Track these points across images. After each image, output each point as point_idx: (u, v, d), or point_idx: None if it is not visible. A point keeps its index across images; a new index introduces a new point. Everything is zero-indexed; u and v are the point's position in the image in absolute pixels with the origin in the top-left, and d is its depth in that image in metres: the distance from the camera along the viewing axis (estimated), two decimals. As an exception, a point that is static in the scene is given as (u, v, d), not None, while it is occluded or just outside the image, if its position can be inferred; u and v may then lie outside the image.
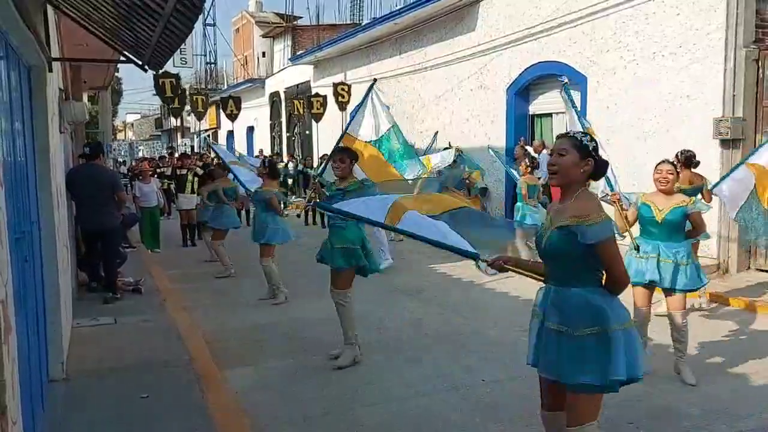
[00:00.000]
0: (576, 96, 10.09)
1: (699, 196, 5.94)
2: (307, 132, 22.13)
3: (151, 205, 11.07)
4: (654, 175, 4.68)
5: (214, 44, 68.90)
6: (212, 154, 26.92)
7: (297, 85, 22.78)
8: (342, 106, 16.44)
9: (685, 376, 4.58)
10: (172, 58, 6.05)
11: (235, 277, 8.82)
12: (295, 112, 19.95)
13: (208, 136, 33.86)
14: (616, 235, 2.92)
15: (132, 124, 60.90)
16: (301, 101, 19.05)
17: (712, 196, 6.08)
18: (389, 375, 4.91)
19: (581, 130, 5.21)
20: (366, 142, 6.17)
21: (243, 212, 13.50)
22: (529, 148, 11.58)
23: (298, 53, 22.74)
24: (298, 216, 9.98)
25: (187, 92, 17.72)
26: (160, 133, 51.00)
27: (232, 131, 30.81)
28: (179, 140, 41.34)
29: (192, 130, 36.19)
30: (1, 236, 2.58)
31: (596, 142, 2.72)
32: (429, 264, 9.16)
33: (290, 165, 18.65)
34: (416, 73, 15.02)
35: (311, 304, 6.85)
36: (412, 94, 15.39)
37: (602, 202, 3.89)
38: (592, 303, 2.59)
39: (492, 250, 3.40)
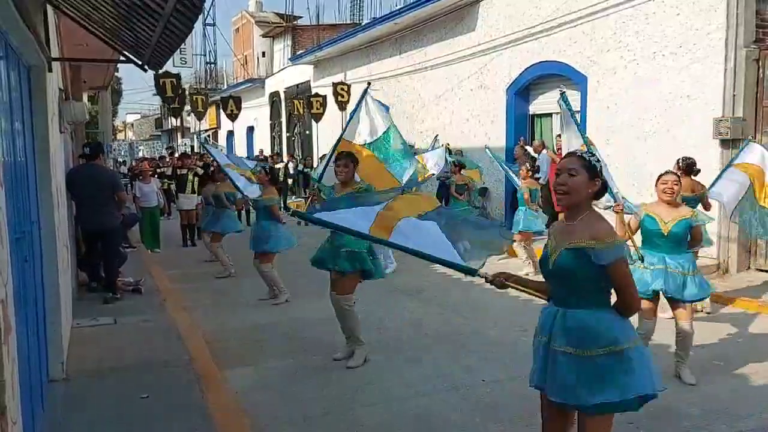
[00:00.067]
0: (576, 96, 10.11)
1: (699, 206, 5.95)
2: (307, 132, 22.13)
3: (151, 205, 11.07)
4: (659, 186, 4.65)
5: (214, 44, 68.90)
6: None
7: (297, 85, 22.78)
8: (342, 106, 16.45)
9: (684, 377, 4.58)
10: (171, 58, 6.05)
11: (235, 277, 8.82)
12: (295, 112, 19.95)
13: (208, 136, 33.83)
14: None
15: (132, 124, 60.89)
16: (301, 101, 19.05)
17: (710, 201, 6.14)
18: (389, 375, 4.91)
19: (582, 142, 5.23)
20: (361, 145, 6.17)
21: (243, 213, 13.50)
22: (529, 148, 11.59)
23: (298, 53, 22.73)
24: (299, 224, 9.96)
25: (187, 92, 17.71)
26: (160, 133, 51.00)
27: (232, 131, 30.81)
28: (179, 140, 41.34)
29: (192, 130, 36.17)
30: (1, 236, 2.58)
31: (601, 162, 2.71)
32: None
33: (290, 165, 18.65)
34: (416, 73, 15.02)
35: (311, 304, 6.85)
36: (412, 94, 15.39)
37: (604, 212, 3.88)
38: (602, 323, 2.56)
39: (492, 252, 3.39)
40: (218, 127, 34.18)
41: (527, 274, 8.46)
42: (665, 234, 4.59)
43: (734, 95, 7.82)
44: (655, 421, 3.95)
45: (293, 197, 17.86)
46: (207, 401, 4.23)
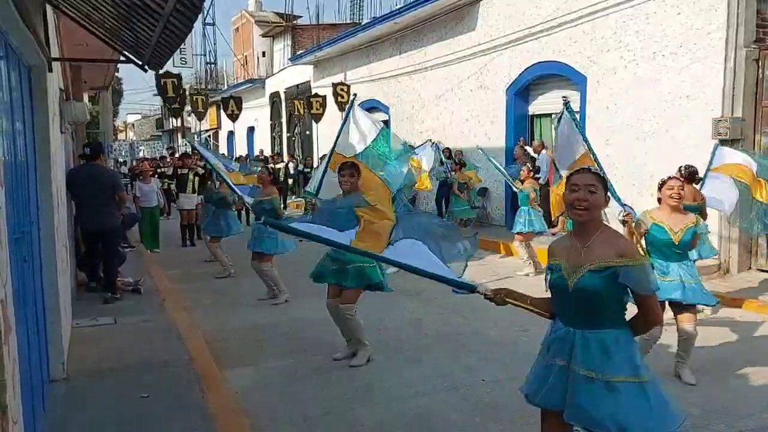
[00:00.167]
0: (576, 96, 10.11)
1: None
2: (308, 132, 22.13)
3: (151, 205, 11.08)
4: (665, 192, 4.61)
5: (214, 44, 68.90)
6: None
7: (297, 85, 22.79)
8: (341, 107, 16.43)
9: (684, 377, 4.58)
10: (172, 58, 6.05)
11: (235, 277, 8.82)
12: (296, 113, 19.95)
13: (208, 137, 33.82)
14: None
15: (133, 125, 60.90)
16: (301, 101, 19.05)
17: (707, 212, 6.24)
18: (389, 375, 4.91)
19: (584, 150, 5.22)
20: (351, 156, 6.23)
21: (242, 213, 13.49)
22: (529, 149, 11.60)
23: (298, 53, 22.73)
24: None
25: (187, 92, 17.72)
26: (160, 134, 51.01)
27: (233, 131, 30.81)
28: (180, 140, 41.33)
29: (192, 131, 36.19)
30: (0, 236, 2.58)
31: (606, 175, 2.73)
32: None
33: (290, 165, 18.66)
34: (416, 73, 15.02)
35: (311, 304, 6.85)
36: (412, 94, 15.39)
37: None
38: (622, 348, 2.54)
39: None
40: (219, 127, 34.18)
41: (527, 275, 8.48)
42: (676, 243, 4.58)
43: (734, 95, 7.82)
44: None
45: (293, 197, 17.88)
46: (207, 401, 4.23)
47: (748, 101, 7.79)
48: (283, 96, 24.74)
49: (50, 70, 4.89)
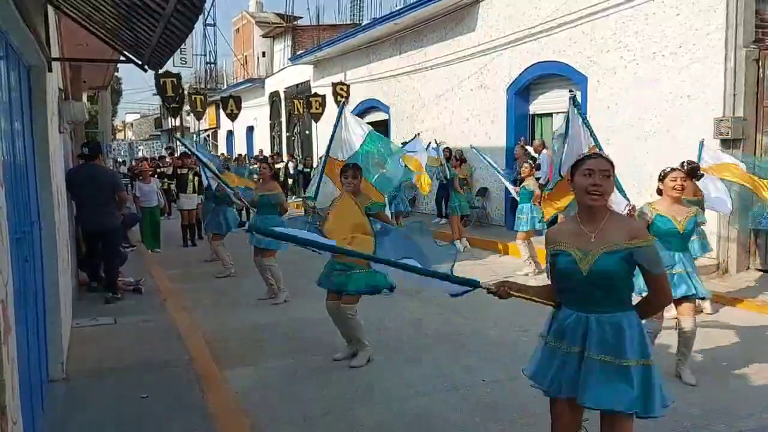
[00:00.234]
0: (576, 96, 10.09)
1: None
2: (307, 132, 22.13)
3: (151, 205, 11.07)
4: (668, 183, 4.60)
5: (214, 44, 68.83)
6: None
7: (297, 85, 22.79)
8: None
9: (685, 378, 4.58)
10: (172, 58, 6.05)
11: (235, 276, 8.82)
12: (295, 112, 19.96)
13: (208, 136, 33.78)
14: None
15: (131, 124, 60.87)
16: (301, 101, 19.06)
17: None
18: (389, 375, 4.91)
19: (592, 143, 5.20)
20: (342, 160, 6.29)
21: (243, 211, 13.49)
22: (529, 148, 11.60)
23: (298, 53, 22.73)
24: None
25: (186, 92, 17.71)
26: (159, 133, 50.95)
27: (232, 131, 30.81)
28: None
29: (192, 130, 36.17)
30: (1, 236, 2.58)
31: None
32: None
33: (290, 165, 18.66)
34: (416, 73, 15.02)
35: (311, 304, 6.84)
36: (412, 94, 15.39)
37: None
38: (634, 330, 2.59)
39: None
40: (218, 126, 34.17)
41: (527, 274, 8.47)
42: (681, 232, 4.58)
43: (734, 95, 7.82)
44: (655, 420, 3.95)
45: (293, 197, 17.87)
46: (207, 401, 4.23)
47: (749, 101, 7.79)
48: (282, 95, 24.75)
49: (50, 70, 4.89)
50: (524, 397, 4.32)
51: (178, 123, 39.17)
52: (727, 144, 7.84)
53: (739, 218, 6.95)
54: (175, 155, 17.97)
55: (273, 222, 7.12)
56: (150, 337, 5.77)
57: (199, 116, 18.58)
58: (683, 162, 6.25)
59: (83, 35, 6.41)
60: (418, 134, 11.47)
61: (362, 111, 18.18)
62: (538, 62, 11.16)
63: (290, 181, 18.22)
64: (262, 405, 4.36)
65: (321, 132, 18.45)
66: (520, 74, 11.62)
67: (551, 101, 11.53)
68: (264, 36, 30.18)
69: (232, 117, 18.64)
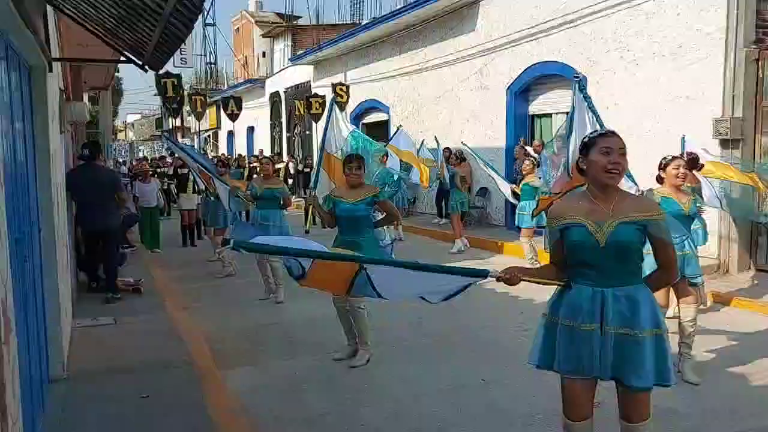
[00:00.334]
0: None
1: None
2: (307, 132, 22.13)
3: (151, 205, 11.09)
4: (670, 171, 4.63)
5: (214, 44, 68.82)
6: (210, 154, 26.82)
7: (297, 85, 22.79)
8: (341, 107, 16.43)
9: (687, 376, 4.57)
10: (172, 59, 6.05)
11: (235, 276, 8.82)
12: (296, 112, 19.96)
13: (208, 136, 33.73)
14: None
15: (132, 125, 60.89)
16: (301, 101, 19.06)
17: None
18: (389, 375, 4.91)
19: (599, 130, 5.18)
20: (333, 153, 6.53)
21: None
22: (529, 149, 11.59)
23: (298, 53, 22.73)
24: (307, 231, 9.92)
25: (187, 93, 17.72)
26: (159, 133, 50.95)
27: (233, 131, 30.81)
28: (179, 140, 41.33)
29: (192, 131, 36.20)
30: (1, 236, 2.58)
31: None
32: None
33: (290, 165, 18.66)
34: (416, 73, 15.02)
35: (311, 304, 6.84)
36: (412, 94, 15.39)
37: None
38: (648, 301, 2.64)
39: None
40: (218, 127, 34.19)
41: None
42: (687, 214, 4.62)
43: (734, 95, 7.81)
44: (654, 420, 3.95)
45: (293, 197, 17.87)
46: (207, 401, 4.23)
47: (749, 101, 7.79)
48: (283, 96, 24.75)
49: (50, 71, 4.89)
50: (524, 397, 4.33)
51: (178, 123, 39.24)
52: (726, 144, 7.84)
53: (738, 208, 7.10)
54: (176, 155, 17.97)
55: (273, 216, 7.21)
56: (150, 337, 5.77)
57: (199, 117, 18.59)
58: (682, 153, 6.29)
59: (83, 35, 6.41)
60: (400, 126, 11.46)
61: (362, 111, 18.20)
62: (538, 62, 11.16)
63: (290, 181, 18.20)
64: (262, 405, 4.36)
65: (321, 132, 18.47)
66: (520, 74, 11.62)
67: (551, 101, 11.53)
68: (264, 36, 30.19)
69: (233, 117, 18.63)
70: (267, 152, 23.33)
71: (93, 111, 18.58)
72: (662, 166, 4.73)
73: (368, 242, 5.02)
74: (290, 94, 23.39)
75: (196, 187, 11.88)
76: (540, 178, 9.45)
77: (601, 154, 2.61)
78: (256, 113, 27.60)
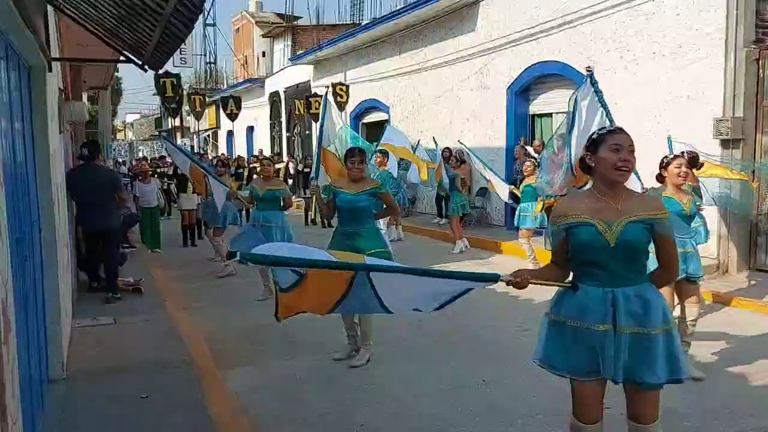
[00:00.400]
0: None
1: None
2: (307, 132, 22.12)
3: (151, 205, 11.08)
4: (673, 170, 4.61)
5: (214, 44, 68.81)
6: (210, 155, 26.81)
7: (297, 85, 22.79)
8: (341, 107, 16.45)
9: (692, 372, 4.56)
10: (171, 58, 6.05)
11: (235, 276, 8.82)
12: (296, 112, 19.96)
13: (208, 136, 33.74)
14: None
15: (132, 124, 60.88)
16: (301, 101, 19.06)
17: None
18: (389, 375, 4.91)
19: (606, 124, 5.16)
20: (327, 147, 6.63)
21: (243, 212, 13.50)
22: (530, 148, 11.60)
23: (298, 53, 22.73)
24: (306, 224, 9.95)
25: (185, 92, 17.72)
26: (159, 133, 50.96)
27: (232, 131, 30.80)
28: (179, 140, 41.32)
29: (192, 130, 36.19)
30: (1, 236, 2.58)
31: None
32: (429, 264, 9.15)
33: (290, 165, 18.65)
34: (416, 73, 15.02)
35: (311, 304, 6.85)
36: (412, 94, 15.39)
37: None
38: (657, 299, 2.64)
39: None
40: (218, 127, 34.17)
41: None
42: (688, 214, 4.62)
43: (734, 95, 7.82)
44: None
45: (293, 197, 17.87)
46: (207, 401, 4.23)
47: (749, 101, 7.79)
48: (282, 96, 24.75)
49: (50, 70, 4.89)
50: (524, 397, 4.33)
51: (178, 123, 39.25)
52: (727, 144, 7.85)
53: (737, 208, 7.15)
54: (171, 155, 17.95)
55: (274, 217, 7.20)
56: (150, 337, 5.77)
57: (198, 116, 18.60)
58: (682, 152, 6.28)
59: (83, 35, 6.41)
60: (387, 122, 11.40)
61: (362, 111, 18.20)
62: (538, 62, 11.16)
63: (290, 181, 18.20)
64: (262, 405, 4.36)
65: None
66: (520, 74, 11.62)
67: (551, 101, 11.52)
68: (264, 36, 30.18)
69: (232, 117, 18.64)
70: (267, 152, 23.33)
71: (92, 111, 18.58)
72: (664, 165, 4.71)
73: (369, 232, 5.02)
74: (290, 93, 23.39)
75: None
76: (540, 178, 9.47)
77: (610, 151, 2.58)
78: (255, 113, 27.60)
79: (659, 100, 8.83)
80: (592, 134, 2.73)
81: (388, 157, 10.33)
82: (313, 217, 14.52)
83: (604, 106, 5.46)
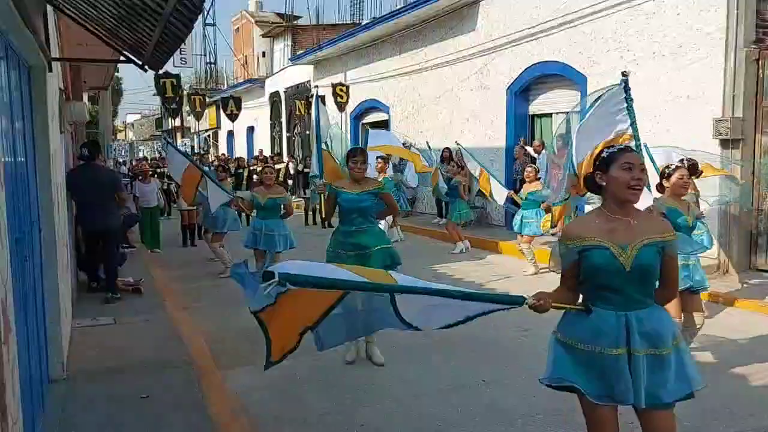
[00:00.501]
0: (576, 96, 10.10)
1: None
2: (307, 132, 22.12)
3: (151, 205, 11.08)
4: (676, 181, 4.59)
5: (214, 44, 68.81)
6: (210, 155, 26.81)
7: (297, 85, 22.79)
8: (341, 107, 16.45)
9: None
10: (171, 59, 6.06)
11: (236, 276, 8.80)
12: (296, 112, 19.95)
13: (208, 136, 33.74)
14: None
15: (132, 125, 60.91)
16: (301, 101, 19.06)
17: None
18: (389, 375, 4.91)
19: (624, 128, 5.15)
20: (325, 149, 6.84)
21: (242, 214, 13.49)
22: (529, 148, 11.60)
23: (298, 53, 22.74)
24: (307, 224, 9.95)
25: (186, 93, 17.72)
26: (159, 133, 50.97)
27: (233, 131, 30.80)
28: (179, 140, 41.31)
29: (192, 131, 36.19)
30: (1, 236, 2.58)
31: None
32: (429, 264, 9.16)
33: (290, 166, 18.66)
34: (416, 73, 15.02)
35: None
36: (412, 94, 15.39)
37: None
38: (666, 318, 2.63)
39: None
40: (218, 127, 34.18)
41: (534, 274, 8.45)
42: (690, 225, 4.61)
43: (734, 95, 7.82)
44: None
45: (293, 197, 17.88)
46: (207, 401, 4.23)
47: (749, 101, 7.79)
48: (283, 96, 24.75)
49: (50, 70, 4.89)
50: (524, 397, 4.33)
51: (178, 123, 39.24)
52: (726, 144, 7.85)
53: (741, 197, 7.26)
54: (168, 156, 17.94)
55: (276, 225, 7.28)
56: (150, 337, 5.77)
57: (198, 117, 18.59)
58: (682, 159, 6.26)
59: (83, 35, 6.41)
60: (368, 129, 11.23)
61: (362, 111, 18.20)
62: (538, 62, 11.16)
63: (290, 182, 18.20)
64: (262, 405, 4.36)
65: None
66: (520, 74, 11.62)
67: (551, 101, 11.53)
68: (264, 36, 30.18)
69: (232, 117, 18.63)
70: (267, 152, 23.33)
71: (93, 111, 18.58)
72: (666, 176, 4.68)
73: (371, 231, 5.02)
74: (290, 93, 23.39)
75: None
76: (540, 178, 9.46)
77: (623, 170, 2.54)
78: (255, 113, 27.60)
79: (659, 100, 8.82)
80: (603, 153, 2.65)
81: (388, 164, 10.37)
82: (323, 217, 14.53)
83: (631, 116, 5.39)
